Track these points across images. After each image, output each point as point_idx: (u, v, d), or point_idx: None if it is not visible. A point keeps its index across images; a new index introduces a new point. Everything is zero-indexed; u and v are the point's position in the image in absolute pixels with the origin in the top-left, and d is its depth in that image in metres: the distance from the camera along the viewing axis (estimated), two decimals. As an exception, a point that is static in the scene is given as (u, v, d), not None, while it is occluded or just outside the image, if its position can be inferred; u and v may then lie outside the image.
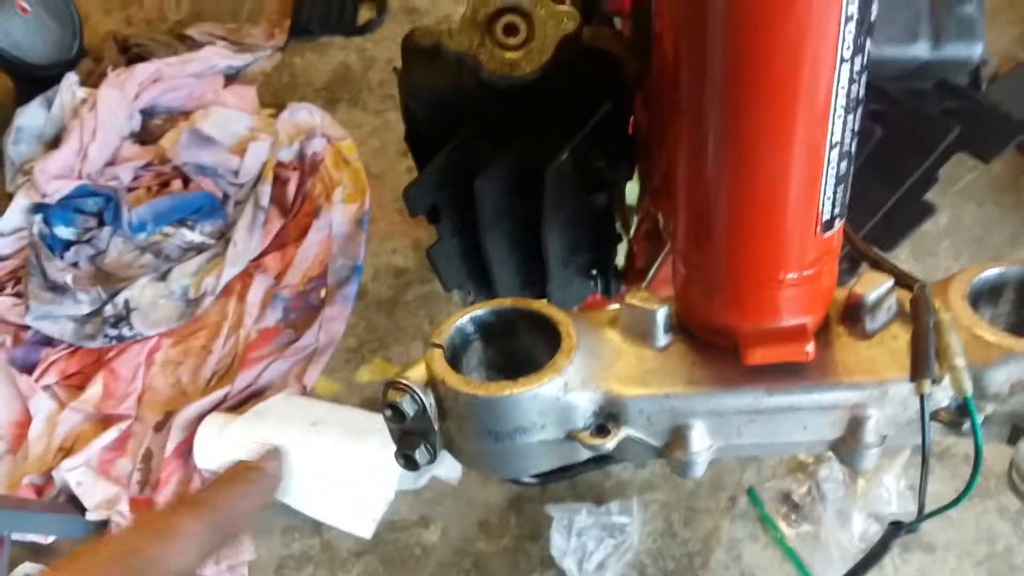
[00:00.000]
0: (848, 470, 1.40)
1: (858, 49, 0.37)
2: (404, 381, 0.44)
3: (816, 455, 1.43)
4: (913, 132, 0.61)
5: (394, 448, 1.25)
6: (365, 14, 2.09)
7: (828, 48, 0.36)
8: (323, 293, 1.66)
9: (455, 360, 0.46)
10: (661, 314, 0.47)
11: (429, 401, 0.44)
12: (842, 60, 0.37)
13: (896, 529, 0.50)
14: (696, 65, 0.40)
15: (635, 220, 0.79)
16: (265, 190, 1.72)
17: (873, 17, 0.37)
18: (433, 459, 0.46)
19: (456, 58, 0.56)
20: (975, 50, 0.62)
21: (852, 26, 0.36)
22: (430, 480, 1.41)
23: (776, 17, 0.35)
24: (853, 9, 0.35)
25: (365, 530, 1.29)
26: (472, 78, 0.57)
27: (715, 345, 0.47)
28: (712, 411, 0.45)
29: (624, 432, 0.44)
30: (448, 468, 1.42)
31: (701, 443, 0.45)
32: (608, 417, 0.45)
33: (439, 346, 0.45)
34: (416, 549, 1.38)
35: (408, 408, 0.44)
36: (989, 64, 0.62)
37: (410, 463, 0.46)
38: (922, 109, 0.62)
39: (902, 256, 1.58)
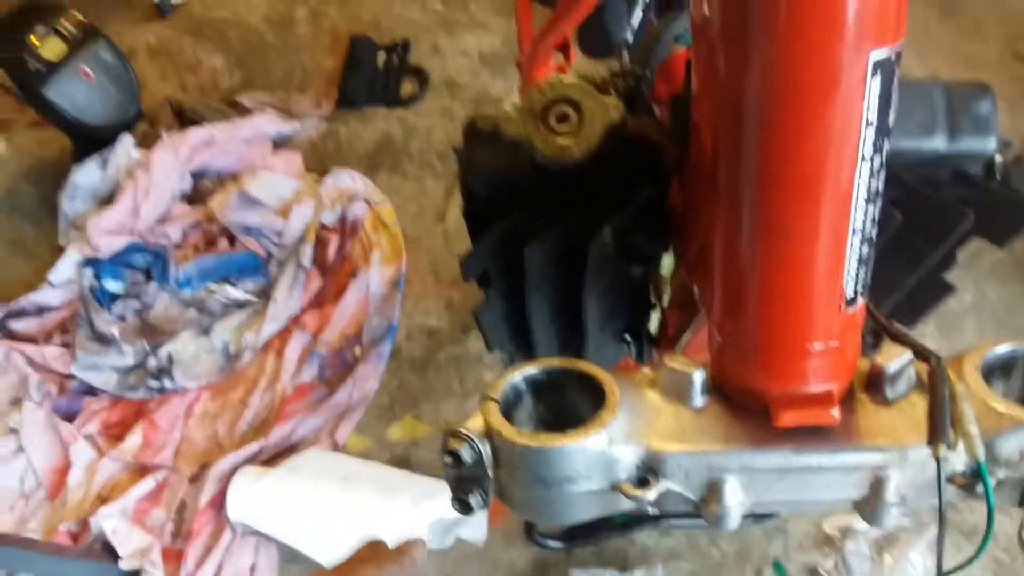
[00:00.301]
0: (874, 545, 1.40)
1: (877, 149, 0.42)
2: (464, 431, 0.48)
3: (842, 529, 1.43)
4: (930, 218, 0.66)
5: (423, 507, 1.28)
6: (408, 87, 2.19)
7: (850, 150, 0.41)
8: (358, 351, 1.71)
9: (508, 413, 0.51)
10: (698, 377, 0.51)
11: (485, 450, 0.49)
12: (863, 159, 0.42)
13: (916, 591, 0.53)
14: (731, 159, 0.45)
15: (668, 291, 0.83)
16: (307, 251, 1.79)
17: (891, 122, 0.42)
18: (486, 504, 0.50)
19: (513, 142, 0.63)
20: (989, 144, 0.67)
21: (872, 131, 0.41)
22: (456, 541, 1.42)
23: (804, 123, 0.40)
24: (872, 116, 0.41)
25: (393, 587, 1.30)
26: (527, 161, 0.63)
27: (748, 407, 0.51)
28: (745, 468, 0.49)
29: (664, 485, 0.48)
30: (474, 529, 1.43)
31: (734, 498, 0.49)
32: (649, 470, 0.49)
33: (495, 400, 0.50)
34: (441, 608, 1.39)
35: (467, 456, 0.48)
36: (1010, 149, 0.67)
37: (464, 507, 0.50)
38: (939, 197, 0.67)
39: (928, 331, 1.61)
